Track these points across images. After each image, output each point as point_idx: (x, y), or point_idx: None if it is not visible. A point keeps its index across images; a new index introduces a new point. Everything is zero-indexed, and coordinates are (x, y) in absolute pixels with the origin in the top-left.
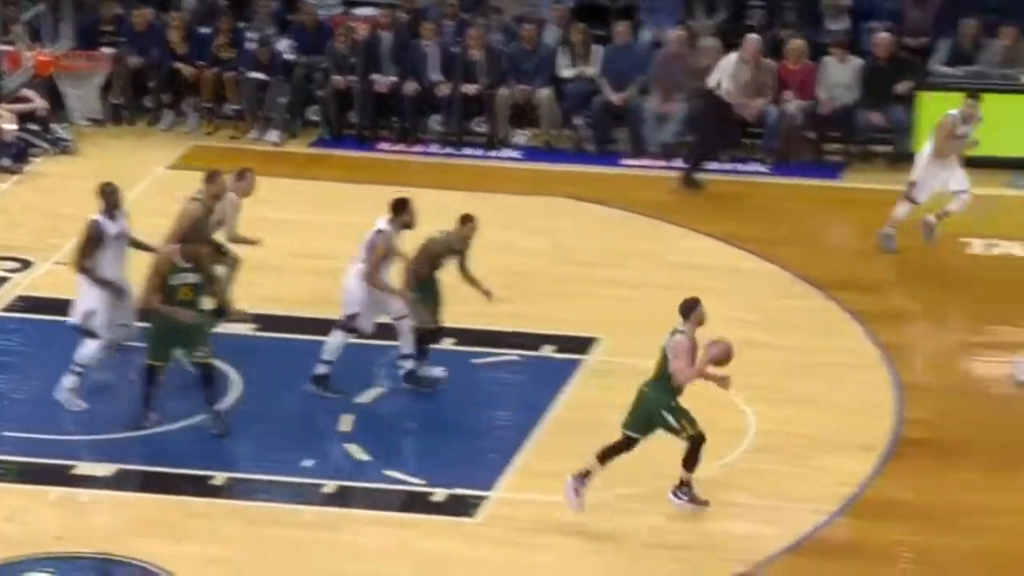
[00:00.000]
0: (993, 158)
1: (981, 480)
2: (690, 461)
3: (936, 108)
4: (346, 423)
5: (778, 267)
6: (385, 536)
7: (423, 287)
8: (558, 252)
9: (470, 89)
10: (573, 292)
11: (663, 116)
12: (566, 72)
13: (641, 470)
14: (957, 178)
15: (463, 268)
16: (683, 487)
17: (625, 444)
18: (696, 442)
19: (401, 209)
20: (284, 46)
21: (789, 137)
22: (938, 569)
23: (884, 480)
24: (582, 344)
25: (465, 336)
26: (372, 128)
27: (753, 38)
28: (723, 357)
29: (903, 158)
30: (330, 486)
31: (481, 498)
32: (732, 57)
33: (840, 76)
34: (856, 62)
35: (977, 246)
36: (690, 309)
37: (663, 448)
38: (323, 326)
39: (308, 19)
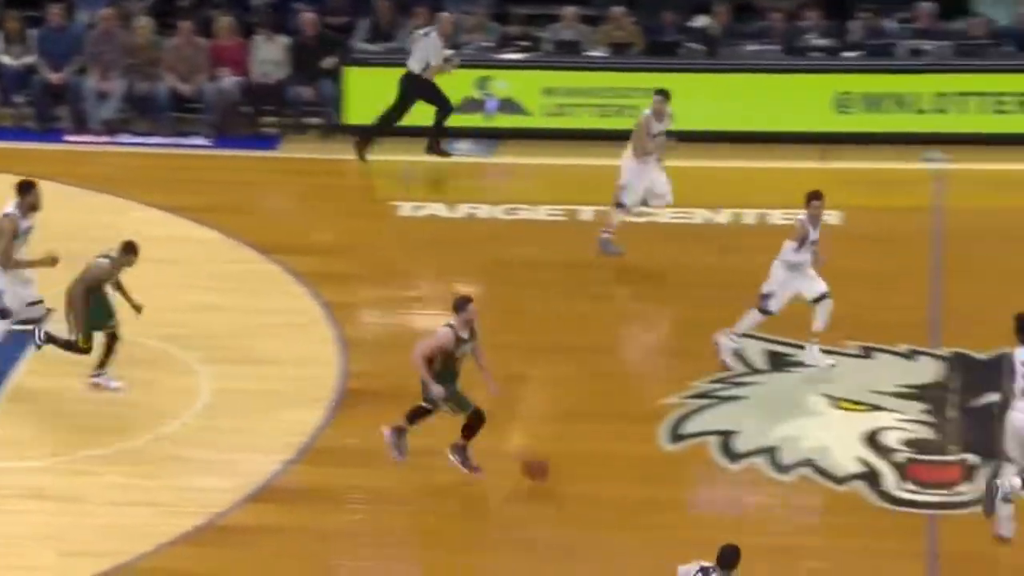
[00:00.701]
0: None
1: (421, 424)
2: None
3: (360, 82)
4: None
5: (223, 235)
6: None
7: (93, 303)
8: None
9: None
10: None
11: (103, 93)
12: (5, 59)
13: (101, 436)
14: (659, 181)
15: (118, 286)
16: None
17: (425, 411)
18: (473, 421)
19: (26, 191)
20: None
21: (226, 111)
22: (387, 507)
23: (333, 429)
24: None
25: None
26: None
27: (447, 16)
28: None
29: (334, 129)
30: None
31: None
32: (432, 36)
33: (270, 53)
34: (284, 40)
35: (406, 208)
36: (460, 306)
37: (115, 414)
38: None
39: None
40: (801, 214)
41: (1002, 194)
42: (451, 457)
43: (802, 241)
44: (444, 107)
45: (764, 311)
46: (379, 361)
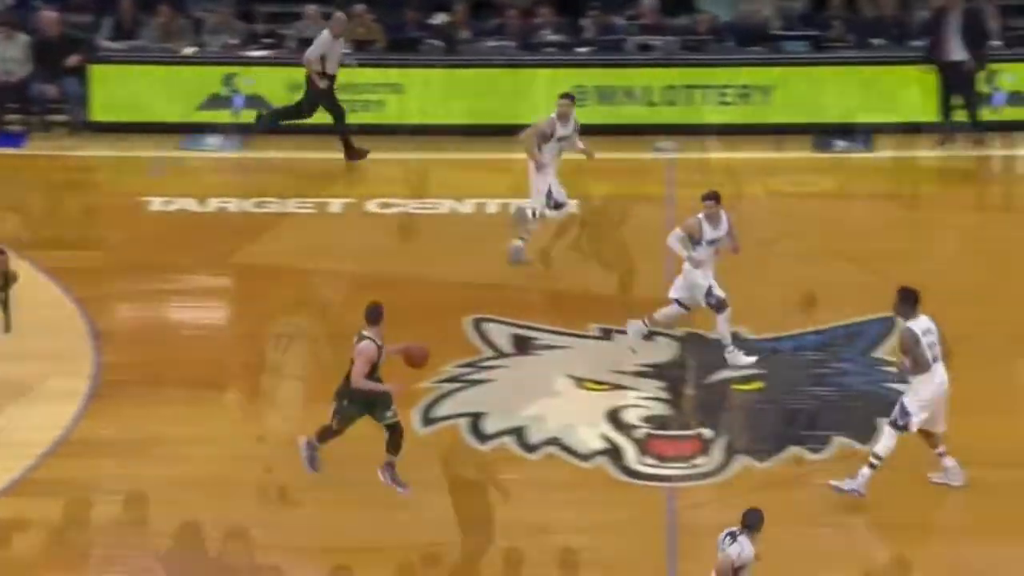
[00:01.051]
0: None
1: (176, 414)
2: (325, 435)
3: (105, 80)
4: None
5: None
6: None
7: None
8: None
9: None
10: None
11: None
12: None
13: None
14: (556, 188)
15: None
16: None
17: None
18: (331, 433)
19: None
20: None
21: None
22: (144, 497)
23: (88, 421)
24: None
25: None
26: None
27: (341, 16)
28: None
29: (80, 127)
30: None
31: None
32: (324, 35)
33: (10, 51)
34: (25, 38)
35: (156, 203)
36: (378, 316)
37: None
38: None
39: None
40: (700, 213)
41: (727, 181)
42: (301, 450)
43: (696, 239)
44: (298, 111)
45: (717, 307)
46: (133, 353)
